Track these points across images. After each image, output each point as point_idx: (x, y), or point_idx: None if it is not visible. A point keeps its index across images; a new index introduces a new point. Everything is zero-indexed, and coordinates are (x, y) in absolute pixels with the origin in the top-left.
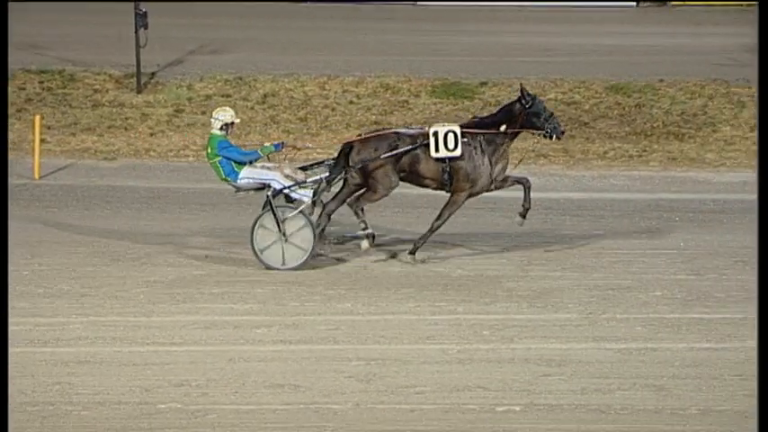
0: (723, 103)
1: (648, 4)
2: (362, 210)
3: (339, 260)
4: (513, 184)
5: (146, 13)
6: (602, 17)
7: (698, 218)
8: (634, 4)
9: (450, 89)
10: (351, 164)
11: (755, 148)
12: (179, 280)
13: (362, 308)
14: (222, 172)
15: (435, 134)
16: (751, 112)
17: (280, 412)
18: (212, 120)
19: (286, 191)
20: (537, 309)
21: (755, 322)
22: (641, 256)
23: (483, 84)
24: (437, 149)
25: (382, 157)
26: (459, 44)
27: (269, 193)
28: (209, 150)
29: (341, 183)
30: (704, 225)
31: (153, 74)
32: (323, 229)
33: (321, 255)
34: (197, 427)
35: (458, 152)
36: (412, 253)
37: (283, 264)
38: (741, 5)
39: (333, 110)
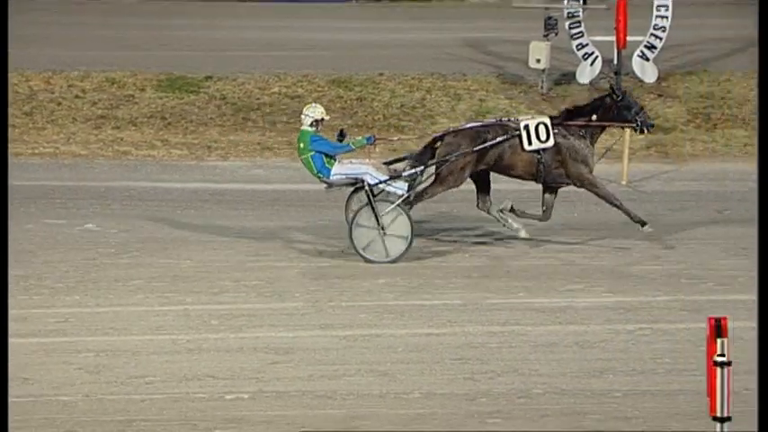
0: (440, 96)
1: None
2: (413, 204)
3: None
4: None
5: None
6: (322, 12)
7: (420, 206)
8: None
9: (175, 83)
10: (437, 157)
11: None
12: None
13: (91, 300)
14: (314, 167)
15: (526, 127)
16: (467, 104)
17: (9, 405)
18: (303, 116)
19: (381, 185)
20: (264, 298)
21: (475, 307)
22: None
23: (208, 78)
24: (530, 142)
25: (473, 150)
26: (183, 39)
27: (366, 188)
28: (301, 146)
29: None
30: (426, 211)
31: None
32: (501, 209)
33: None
34: None
35: (550, 143)
36: (642, 224)
37: (387, 256)
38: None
39: (59, 104)
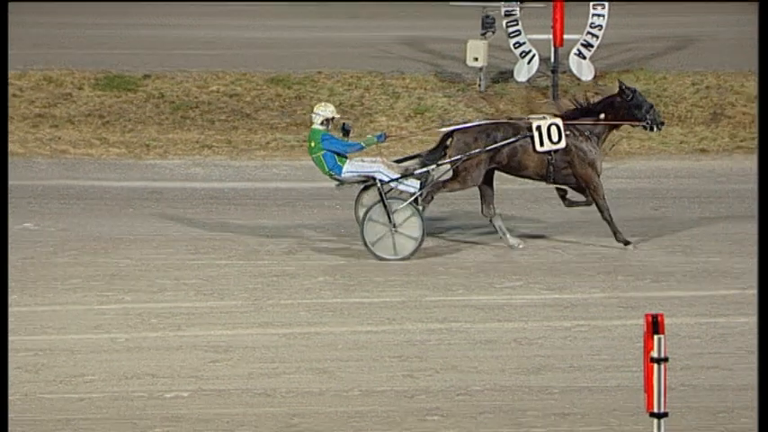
0: (379, 94)
1: None
2: (431, 198)
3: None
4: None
5: None
6: (260, 11)
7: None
8: None
9: (113, 82)
10: (449, 154)
11: (415, 137)
12: None
13: (29, 299)
14: (326, 166)
15: (538, 128)
16: (406, 103)
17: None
18: (313, 115)
19: (393, 183)
20: (204, 296)
21: (415, 304)
22: (304, 242)
23: (146, 76)
24: (542, 144)
25: (486, 149)
26: (121, 37)
27: (379, 186)
28: (312, 144)
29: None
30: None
31: None
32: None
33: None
34: None
35: (562, 144)
36: (626, 243)
37: (395, 254)
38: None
39: None
